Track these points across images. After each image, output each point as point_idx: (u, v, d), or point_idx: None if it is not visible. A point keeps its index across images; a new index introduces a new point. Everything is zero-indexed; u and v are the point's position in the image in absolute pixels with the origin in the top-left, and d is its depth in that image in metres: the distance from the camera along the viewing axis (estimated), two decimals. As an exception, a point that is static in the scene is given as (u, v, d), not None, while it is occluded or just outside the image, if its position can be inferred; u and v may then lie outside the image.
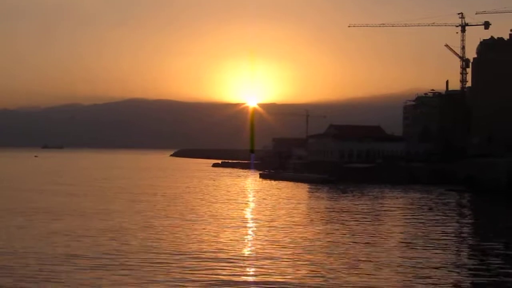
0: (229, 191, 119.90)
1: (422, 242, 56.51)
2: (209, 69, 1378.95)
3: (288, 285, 38.83)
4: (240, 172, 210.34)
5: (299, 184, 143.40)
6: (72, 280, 39.12)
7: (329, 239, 57.38)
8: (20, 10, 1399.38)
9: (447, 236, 61.15)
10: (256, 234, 60.77)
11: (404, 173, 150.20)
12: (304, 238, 57.96)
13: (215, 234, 59.48)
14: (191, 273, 41.57)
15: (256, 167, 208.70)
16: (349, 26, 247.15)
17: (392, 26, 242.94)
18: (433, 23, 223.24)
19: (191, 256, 47.80)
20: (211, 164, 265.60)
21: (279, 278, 40.52)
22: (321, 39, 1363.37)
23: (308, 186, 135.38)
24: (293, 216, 76.51)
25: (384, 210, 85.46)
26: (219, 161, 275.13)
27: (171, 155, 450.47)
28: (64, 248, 50.65)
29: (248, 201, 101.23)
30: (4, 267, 43.02)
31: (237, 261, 46.42)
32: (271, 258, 47.28)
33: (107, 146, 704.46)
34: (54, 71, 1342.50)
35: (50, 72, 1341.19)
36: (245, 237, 59.57)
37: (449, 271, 43.76)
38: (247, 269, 43.87)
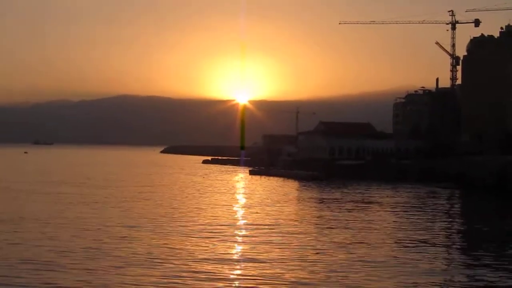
0: (218, 187, 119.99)
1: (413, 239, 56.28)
2: (199, 65, 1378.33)
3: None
4: (230, 168, 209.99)
5: (289, 180, 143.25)
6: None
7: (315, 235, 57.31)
8: (8, 6, 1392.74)
9: (434, 232, 61.00)
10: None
11: (393, 170, 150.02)
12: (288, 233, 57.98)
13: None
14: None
15: (246, 164, 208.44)
16: (339, 23, 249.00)
17: (383, 23, 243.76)
18: (424, 20, 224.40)
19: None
20: (201, 161, 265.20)
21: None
22: (311, 35, 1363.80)
23: (298, 183, 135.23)
24: (280, 212, 76.42)
25: (370, 207, 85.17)
26: (209, 158, 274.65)
27: (161, 152, 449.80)
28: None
29: (237, 195, 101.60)
30: None
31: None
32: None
33: (97, 143, 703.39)
34: (43, 67, 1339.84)
35: (39, 68, 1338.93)
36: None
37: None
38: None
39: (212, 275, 39.27)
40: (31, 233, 55.53)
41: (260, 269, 41.14)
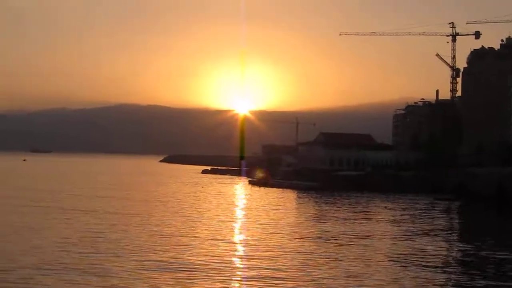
0: (218, 197, 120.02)
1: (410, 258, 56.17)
2: (197, 73, 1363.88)
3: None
4: (230, 178, 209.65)
5: (288, 191, 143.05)
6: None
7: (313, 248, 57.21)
8: (4, 15, 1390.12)
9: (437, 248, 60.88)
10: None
11: (393, 181, 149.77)
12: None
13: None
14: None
15: (246, 174, 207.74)
16: (340, 34, 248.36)
17: (383, 34, 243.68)
18: (424, 32, 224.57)
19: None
20: (201, 171, 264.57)
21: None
22: (312, 46, 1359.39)
23: (297, 194, 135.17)
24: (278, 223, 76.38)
25: (370, 219, 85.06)
26: (209, 168, 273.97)
27: (161, 161, 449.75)
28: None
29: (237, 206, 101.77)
30: None
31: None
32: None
33: (96, 151, 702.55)
34: (39, 75, 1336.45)
35: (35, 76, 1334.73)
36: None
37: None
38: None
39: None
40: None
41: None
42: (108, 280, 41.12)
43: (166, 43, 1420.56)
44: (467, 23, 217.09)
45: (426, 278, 43.52)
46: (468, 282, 42.98)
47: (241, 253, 53.93)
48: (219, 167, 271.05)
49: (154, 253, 51.06)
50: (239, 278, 43.03)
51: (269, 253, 52.66)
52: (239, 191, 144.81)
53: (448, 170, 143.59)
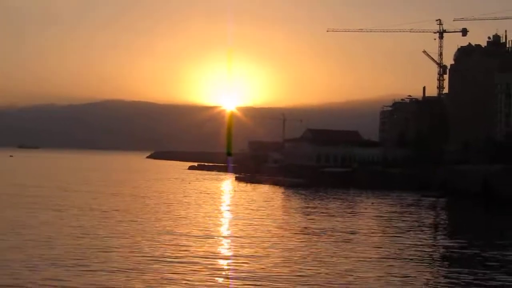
0: (205, 193, 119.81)
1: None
2: (184, 70, 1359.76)
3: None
4: (217, 175, 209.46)
5: (274, 187, 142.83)
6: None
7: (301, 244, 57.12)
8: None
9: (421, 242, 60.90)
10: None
11: (380, 178, 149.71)
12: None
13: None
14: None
15: (232, 170, 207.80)
16: (327, 31, 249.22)
17: (370, 31, 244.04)
18: (412, 29, 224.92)
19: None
20: (187, 167, 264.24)
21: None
22: (299, 43, 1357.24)
23: (284, 190, 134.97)
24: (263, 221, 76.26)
25: (356, 215, 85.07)
26: (195, 164, 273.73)
27: (148, 157, 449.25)
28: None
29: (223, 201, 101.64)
30: None
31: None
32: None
33: (82, 147, 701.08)
34: (27, 71, 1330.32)
35: (23, 72, 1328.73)
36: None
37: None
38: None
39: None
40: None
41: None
42: (93, 276, 40.84)
43: (153, 41, 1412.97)
44: (454, 20, 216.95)
45: (413, 274, 43.45)
46: (454, 279, 42.90)
47: (228, 249, 53.73)
48: (205, 163, 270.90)
49: (142, 250, 50.78)
50: (226, 274, 42.79)
51: (256, 249, 52.46)
52: (226, 187, 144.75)
53: (435, 167, 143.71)
